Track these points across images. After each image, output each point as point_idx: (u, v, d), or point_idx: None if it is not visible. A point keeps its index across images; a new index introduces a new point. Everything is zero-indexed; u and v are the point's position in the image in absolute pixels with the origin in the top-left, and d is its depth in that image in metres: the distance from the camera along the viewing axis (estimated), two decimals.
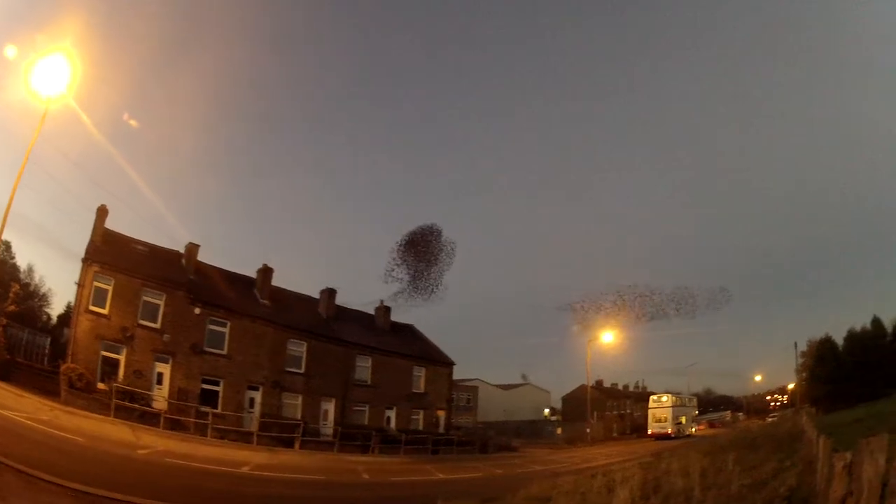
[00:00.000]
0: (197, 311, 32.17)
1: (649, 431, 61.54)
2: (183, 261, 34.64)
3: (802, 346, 72.86)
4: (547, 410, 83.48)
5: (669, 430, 58.58)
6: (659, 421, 61.13)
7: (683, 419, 62.38)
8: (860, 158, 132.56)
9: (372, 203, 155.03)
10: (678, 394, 68.06)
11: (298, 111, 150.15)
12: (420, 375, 45.83)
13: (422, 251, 50.51)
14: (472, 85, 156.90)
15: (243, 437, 29.66)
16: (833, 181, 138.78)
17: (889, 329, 62.68)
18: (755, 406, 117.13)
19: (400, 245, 50.76)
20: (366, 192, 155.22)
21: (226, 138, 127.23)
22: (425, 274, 49.64)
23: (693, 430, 62.99)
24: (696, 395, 73.22)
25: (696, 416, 70.23)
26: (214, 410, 29.72)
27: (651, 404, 64.98)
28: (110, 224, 31.29)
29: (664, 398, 63.85)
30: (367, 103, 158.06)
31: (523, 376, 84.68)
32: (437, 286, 49.57)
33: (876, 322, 63.62)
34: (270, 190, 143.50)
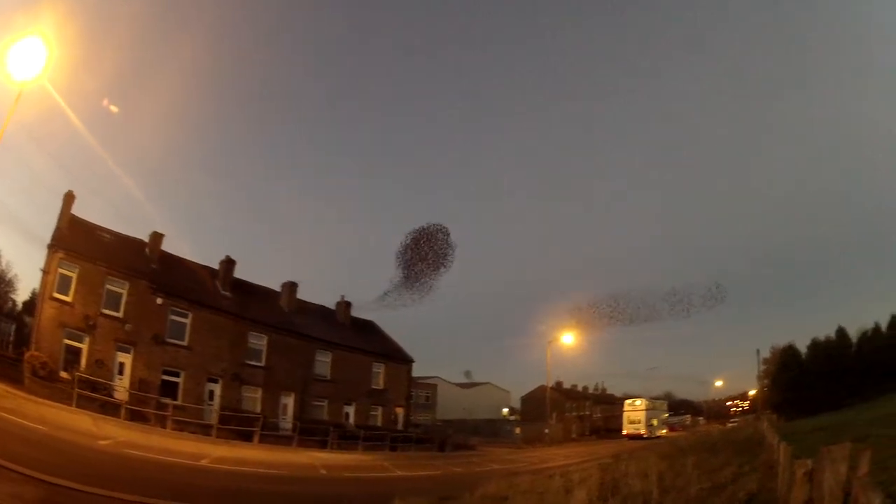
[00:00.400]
0: (159, 301, 31.91)
1: (624, 432, 66.20)
2: (147, 250, 34.23)
3: (765, 353, 75.93)
4: (506, 410, 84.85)
5: (642, 432, 63.13)
6: (633, 423, 65.93)
7: (655, 421, 67.24)
8: (833, 166, 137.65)
9: (343, 200, 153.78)
10: (651, 398, 73.42)
11: (286, 106, 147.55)
12: (379, 372, 46.34)
13: (425, 251, 50.06)
14: (449, 82, 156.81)
15: (203, 430, 29.64)
16: (808, 190, 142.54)
17: (854, 339, 65.61)
18: (716, 411, 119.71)
19: (405, 244, 50.08)
20: (339, 190, 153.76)
21: (210, 130, 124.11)
22: (425, 273, 49.33)
23: (664, 431, 67.63)
24: (655, 398, 77.07)
25: (667, 418, 75.32)
26: (175, 402, 29.59)
27: (626, 408, 69.81)
28: (82, 212, 30.88)
29: (638, 402, 68.68)
30: (349, 100, 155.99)
31: (466, 373, 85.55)
32: (430, 287, 49.50)
33: (841, 332, 66.25)
34: (248, 184, 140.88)
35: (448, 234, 50.71)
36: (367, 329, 50.64)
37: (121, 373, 27.93)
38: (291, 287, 44.54)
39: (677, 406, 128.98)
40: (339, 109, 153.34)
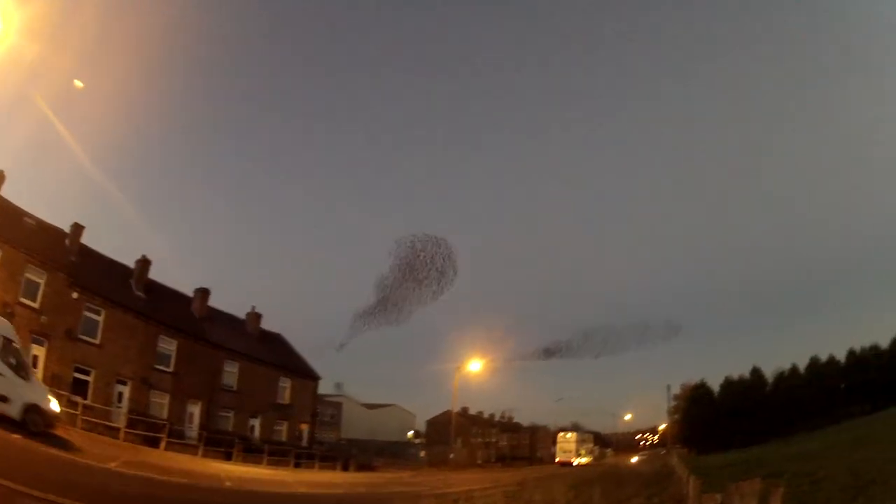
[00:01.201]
0: (75, 295, 30.68)
1: (557, 459, 73.61)
2: (67, 241, 32.77)
3: (675, 390, 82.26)
4: (411, 433, 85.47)
5: (572, 460, 70.28)
6: (565, 452, 73.63)
7: (583, 451, 75.56)
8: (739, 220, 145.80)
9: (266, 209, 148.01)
10: (580, 431, 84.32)
11: (253, 99, 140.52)
12: (286, 386, 46.30)
13: (422, 273, 46.62)
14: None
15: (111, 432, 28.78)
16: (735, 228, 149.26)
17: (770, 379, 72.32)
18: (625, 443, 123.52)
19: (400, 262, 46.77)
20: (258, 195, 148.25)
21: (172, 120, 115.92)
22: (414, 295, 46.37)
23: (590, 458, 76.14)
24: (563, 429, 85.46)
25: (592, 448, 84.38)
26: (85, 401, 28.54)
27: (559, 439, 78.72)
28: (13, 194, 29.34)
29: (569, 435, 78.17)
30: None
31: (337, 385, 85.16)
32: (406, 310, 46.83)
33: (756, 371, 73.10)
34: (168, 181, 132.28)
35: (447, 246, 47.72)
36: (276, 342, 50.38)
37: (35, 366, 26.58)
38: (203, 293, 43.74)
39: None
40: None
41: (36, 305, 27.84)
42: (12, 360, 19.41)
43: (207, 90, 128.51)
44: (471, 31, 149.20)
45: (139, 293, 37.24)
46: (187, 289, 43.61)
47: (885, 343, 66.62)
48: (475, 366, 61.22)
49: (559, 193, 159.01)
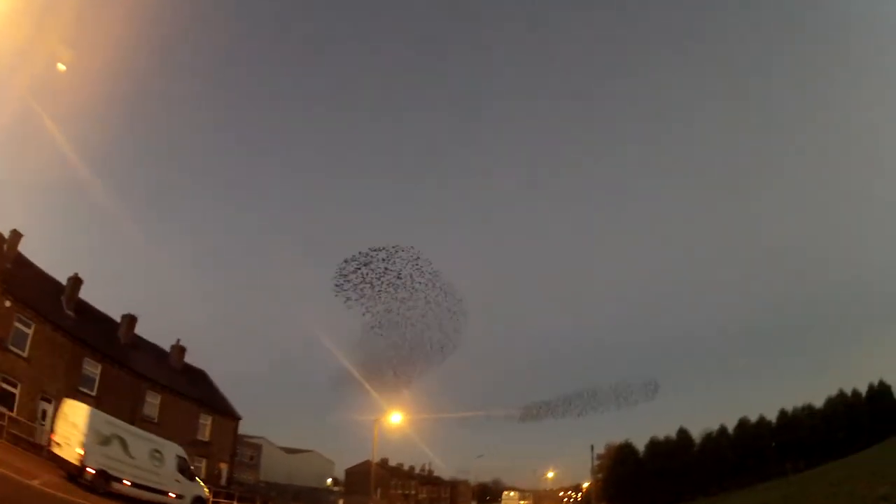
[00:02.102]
0: (7, 303, 29.40)
1: None
2: (4, 247, 31.47)
3: (599, 449, 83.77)
4: (330, 480, 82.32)
5: None
6: None
7: None
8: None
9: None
10: (522, 491, 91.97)
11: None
12: (206, 424, 44.76)
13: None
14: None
15: (34, 449, 27.28)
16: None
17: (697, 440, 73.54)
18: (547, 500, 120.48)
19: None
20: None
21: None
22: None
23: None
24: (483, 484, 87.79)
25: None
26: (10, 413, 27.01)
27: (504, 497, 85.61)
28: None
29: (512, 494, 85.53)
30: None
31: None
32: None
33: (682, 432, 74.32)
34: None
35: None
36: (199, 378, 48.83)
37: None
38: (131, 320, 42.38)
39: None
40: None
41: None
42: (184, 469, 29.37)
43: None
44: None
45: (69, 311, 35.81)
46: (115, 313, 42.04)
47: (818, 403, 69.83)
48: (396, 418, 61.28)
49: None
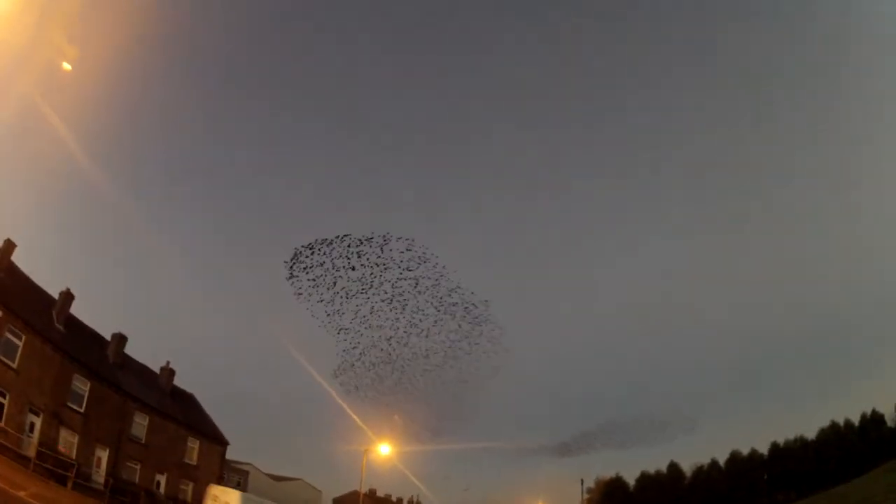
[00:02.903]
0: (0, 313, 29.05)
1: None
2: None
3: (589, 483, 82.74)
4: None
5: None
6: None
7: None
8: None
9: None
10: None
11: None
12: (195, 447, 43.77)
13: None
14: None
15: (21, 460, 26.63)
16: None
17: (688, 473, 72.98)
18: None
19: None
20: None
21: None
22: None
23: None
24: None
25: None
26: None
27: None
28: None
29: None
30: None
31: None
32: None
33: (673, 466, 73.84)
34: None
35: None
36: (188, 401, 47.89)
37: None
38: (120, 339, 41.70)
39: None
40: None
41: None
42: None
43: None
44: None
45: (59, 326, 35.29)
46: (105, 330, 41.44)
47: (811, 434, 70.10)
48: (385, 449, 60.10)
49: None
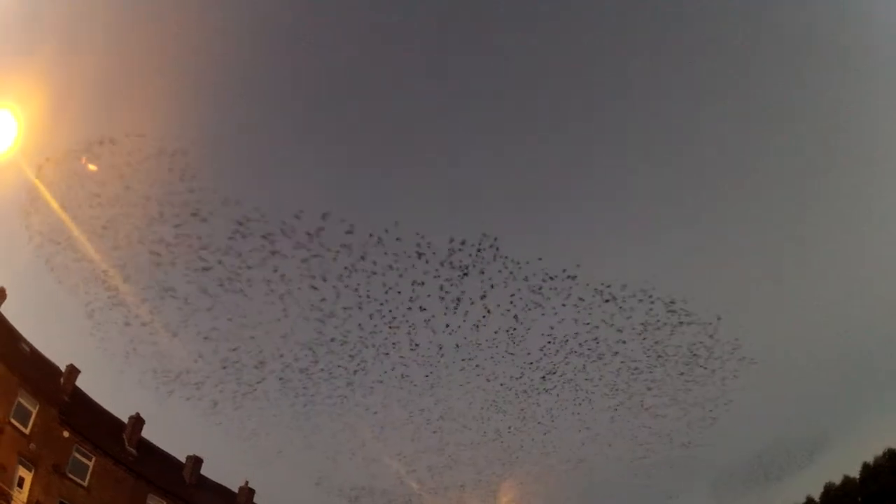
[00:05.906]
0: (66, 434, 29.15)
1: None
2: (61, 380, 31.88)
3: None
4: None
5: None
6: None
7: None
8: None
9: None
10: None
11: None
12: None
13: None
14: None
15: None
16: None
17: None
18: None
19: None
20: None
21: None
22: None
23: None
24: None
25: None
26: None
27: None
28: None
29: None
30: None
31: None
32: None
33: None
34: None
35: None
36: None
37: (20, 486, 24.31)
38: (196, 461, 40.94)
39: None
40: None
41: (26, 431, 26.32)
42: None
43: None
44: None
45: (130, 448, 35.03)
46: (179, 453, 40.87)
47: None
48: None
49: None
